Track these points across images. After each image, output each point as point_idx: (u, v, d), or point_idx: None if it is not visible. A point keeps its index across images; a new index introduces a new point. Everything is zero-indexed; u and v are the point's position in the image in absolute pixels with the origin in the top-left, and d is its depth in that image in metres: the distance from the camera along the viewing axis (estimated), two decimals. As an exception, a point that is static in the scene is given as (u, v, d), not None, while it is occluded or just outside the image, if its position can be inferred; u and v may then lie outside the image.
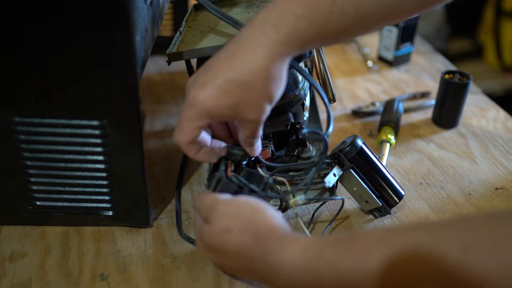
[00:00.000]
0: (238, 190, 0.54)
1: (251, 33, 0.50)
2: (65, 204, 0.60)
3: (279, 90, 0.52)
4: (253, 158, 0.61)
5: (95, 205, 0.61)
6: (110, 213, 0.61)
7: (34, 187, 0.59)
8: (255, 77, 0.49)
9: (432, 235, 0.42)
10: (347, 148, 0.62)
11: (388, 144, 0.78)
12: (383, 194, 0.64)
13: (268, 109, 0.52)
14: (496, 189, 0.73)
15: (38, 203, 0.60)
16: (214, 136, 0.59)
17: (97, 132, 0.55)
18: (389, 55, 1.05)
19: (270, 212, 0.50)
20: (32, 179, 0.58)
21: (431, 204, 0.69)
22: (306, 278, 0.46)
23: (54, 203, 0.60)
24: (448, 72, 0.85)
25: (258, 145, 0.57)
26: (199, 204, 0.53)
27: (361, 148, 0.63)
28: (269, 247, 0.48)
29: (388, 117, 0.83)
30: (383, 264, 0.42)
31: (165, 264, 0.59)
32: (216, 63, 0.50)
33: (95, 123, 0.55)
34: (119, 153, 0.57)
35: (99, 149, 0.56)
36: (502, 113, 0.91)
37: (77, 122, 0.55)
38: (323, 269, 0.45)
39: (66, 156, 0.57)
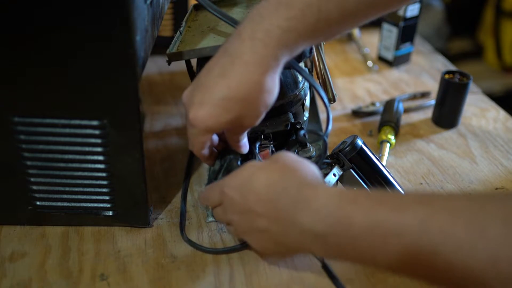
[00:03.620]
0: None
1: (242, 48, 0.51)
2: (65, 204, 0.60)
3: (274, 97, 0.54)
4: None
5: (95, 205, 0.61)
6: (110, 213, 0.61)
7: (34, 187, 0.59)
8: (252, 92, 0.52)
9: (474, 204, 0.41)
10: (347, 148, 0.62)
11: (388, 144, 0.78)
12: (383, 194, 0.64)
13: (264, 114, 0.55)
14: (496, 189, 0.72)
15: (38, 203, 0.60)
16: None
17: (97, 132, 0.55)
18: (389, 55, 1.05)
19: (313, 167, 0.52)
20: (32, 179, 0.58)
21: (431, 204, 0.69)
22: (335, 220, 0.45)
23: (54, 203, 0.60)
24: (448, 72, 0.85)
25: (245, 141, 0.60)
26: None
27: (361, 148, 0.63)
28: (305, 180, 0.49)
29: (388, 117, 0.83)
30: (420, 221, 0.41)
31: (165, 264, 0.59)
32: (210, 80, 0.52)
33: (95, 123, 0.55)
34: (119, 153, 0.57)
35: (99, 149, 0.56)
36: (502, 113, 0.91)
37: (77, 122, 0.55)
38: (356, 214, 0.44)
39: (66, 156, 0.57)
